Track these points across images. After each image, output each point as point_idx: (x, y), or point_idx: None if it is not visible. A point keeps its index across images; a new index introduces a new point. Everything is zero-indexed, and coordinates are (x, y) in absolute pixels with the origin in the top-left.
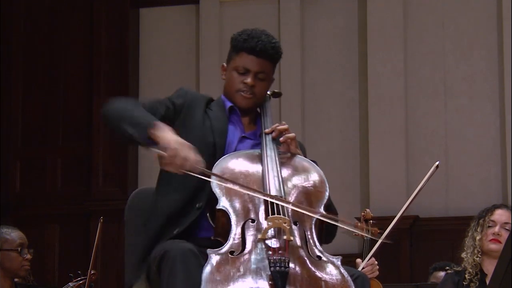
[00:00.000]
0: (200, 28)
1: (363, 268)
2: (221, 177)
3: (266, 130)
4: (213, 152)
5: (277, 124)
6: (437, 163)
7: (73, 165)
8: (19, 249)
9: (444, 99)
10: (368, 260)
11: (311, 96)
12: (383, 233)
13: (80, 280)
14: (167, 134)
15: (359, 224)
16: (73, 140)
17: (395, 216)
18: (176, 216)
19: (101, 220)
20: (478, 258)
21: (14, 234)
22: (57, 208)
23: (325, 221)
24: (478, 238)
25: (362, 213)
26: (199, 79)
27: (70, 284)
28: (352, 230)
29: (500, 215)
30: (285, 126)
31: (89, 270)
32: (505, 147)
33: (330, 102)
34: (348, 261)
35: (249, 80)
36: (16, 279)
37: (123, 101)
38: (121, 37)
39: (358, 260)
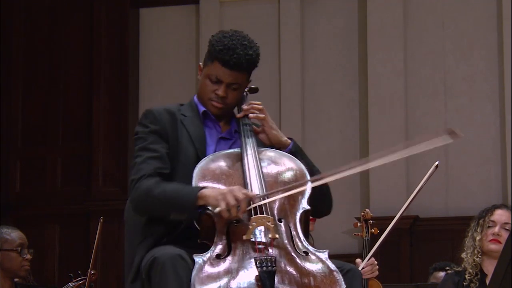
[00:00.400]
0: (200, 28)
1: (363, 268)
2: (276, 192)
3: (239, 115)
4: (197, 160)
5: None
6: (436, 163)
7: (73, 165)
8: (19, 249)
9: (444, 99)
10: (368, 260)
11: (311, 96)
12: (382, 233)
13: (80, 280)
14: (208, 193)
15: (358, 224)
16: (73, 140)
17: (395, 216)
18: (173, 225)
19: (101, 220)
20: (478, 259)
21: (14, 234)
22: (57, 208)
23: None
24: (478, 238)
25: (362, 213)
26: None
27: (70, 284)
28: (344, 174)
29: (500, 215)
30: (260, 107)
31: (89, 270)
32: (505, 147)
33: (330, 102)
34: (348, 261)
35: (220, 92)
36: (16, 279)
37: (144, 189)
38: (121, 37)
39: (358, 260)
